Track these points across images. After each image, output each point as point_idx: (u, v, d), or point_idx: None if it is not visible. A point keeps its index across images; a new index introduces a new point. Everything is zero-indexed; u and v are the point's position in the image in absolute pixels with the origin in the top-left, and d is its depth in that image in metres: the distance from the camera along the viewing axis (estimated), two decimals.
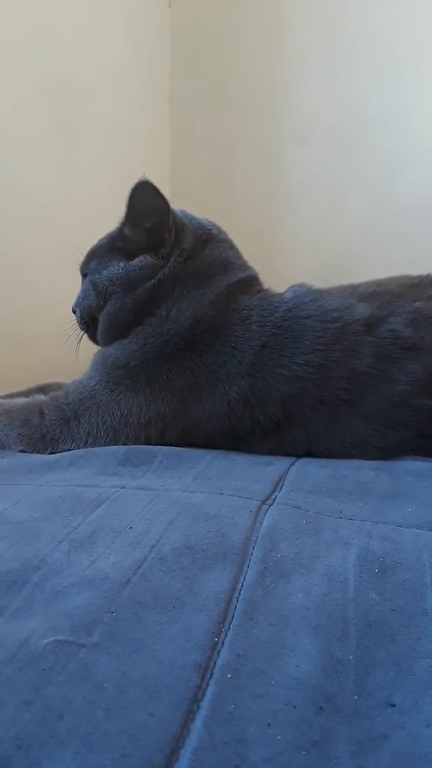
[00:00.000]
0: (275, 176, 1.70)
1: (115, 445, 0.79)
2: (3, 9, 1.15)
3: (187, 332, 0.80)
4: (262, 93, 1.69)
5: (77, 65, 1.37)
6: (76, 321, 0.93)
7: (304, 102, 1.64)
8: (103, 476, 0.69)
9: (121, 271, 0.85)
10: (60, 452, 0.80)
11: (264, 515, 0.56)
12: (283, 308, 0.81)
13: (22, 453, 0.82)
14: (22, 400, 0.88)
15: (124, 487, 0.63)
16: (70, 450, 0.80)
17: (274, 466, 0.72)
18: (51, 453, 0.81)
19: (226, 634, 0.38)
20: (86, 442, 0.80)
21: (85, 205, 1.38)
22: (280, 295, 0.86)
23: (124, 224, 0.85)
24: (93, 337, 0.91)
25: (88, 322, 0.90)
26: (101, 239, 0.90)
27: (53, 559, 0.47)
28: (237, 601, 0.42)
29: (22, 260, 1.27)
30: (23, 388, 1.02)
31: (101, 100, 1.46)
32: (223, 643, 0.37)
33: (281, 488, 0.64)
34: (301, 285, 0.87)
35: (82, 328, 0.92)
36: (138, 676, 0.34)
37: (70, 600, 0.41)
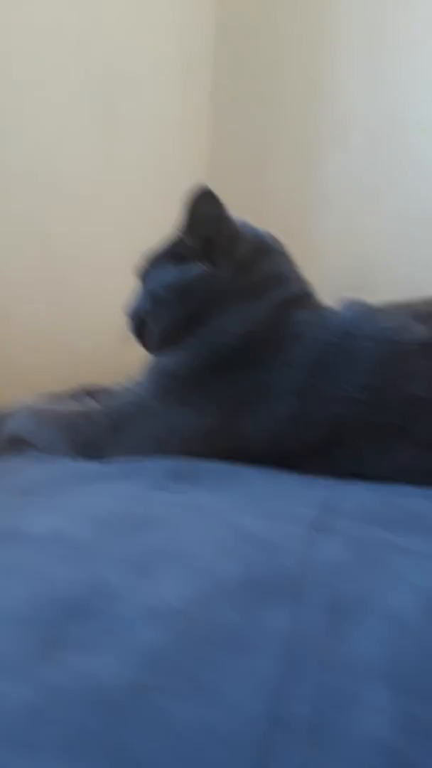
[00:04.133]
0: (312, 176, 1.68)
1: (161, 456, 0.79)
2: (50, 4, 1.14)
3: (238, 345, 0.79)
4: (305, 91, 1.67)
5: (121, 59, 1.37)
6: (129, 326, 0.92)
7: (346, 102, 1.62)
8: (152, 491, 0.69)
9: (173, 278, 0.85)
10: (107, 460, 0.81)
11: (317, 544, 0.55)
12: (338, 326, 0.80)
13: (69, 459, 0.83)
14: (70, 404, 0.89)
15: (173, 505, 0.63)
16: (116, 459, 0.81)
17: (321, 489, 0.71)
18: (98, 461, 0.81)
19: (296, 681, 0.38)
20: (132, 452, 0.81)
21: (126, 200, 1.38)
22: (336, 311, 0.85)
23: (180, 230, 0.85)
24: (144, 344, 0.91)
25: (140, 328, 0.90)
26: (160, 244, 0.90)
27: (113, 585, 0.47)
28: (302, 644, 0.42)
29: (60, 254, 1.27)
30: (64, 387, 1.02)
31: (144, 94, 1.45)
32: (294, 691, 0.37)
33: (331, 515, 0.63)
34: (357, 302, 0.85)
35: (134, 334, 0.92)
36: (208, 722, 0.34)
37: (138, 634, 0.42)
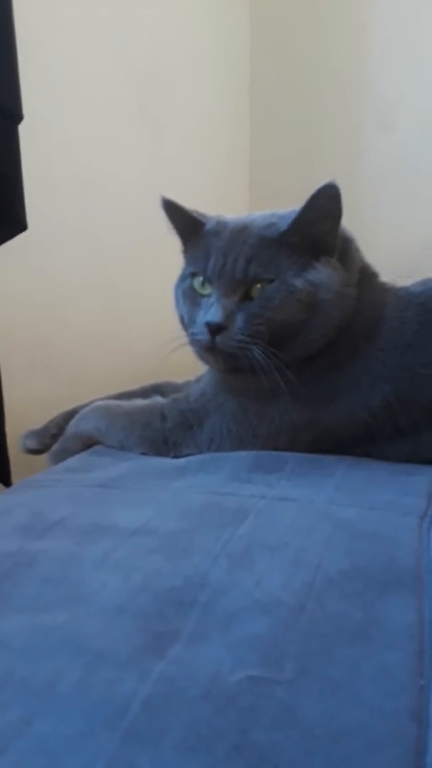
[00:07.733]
0: (357, 164, 1.63)
1: (239, 451, 0.76)
2: (94, 10, 1.16)
3: (332, 338, 0.74)
4: (345, 79, 1.63)
5: (162, 60, 1.37)
6: (229, 341, 0.71)
7: (389, 87, 1.57)
8: (236, 483, 0.66)
9: (329, 276, 0.73)
10: (183, 456, 0.79)
11: (428, 534, 0.52)
12: (416, 302, 0.76)
13: (143, 456, 0.81)
14: (142, 402, 0.87)
15: (264, 497, 0.61)
16: (192, 455, 0.78)
17: (418, 476, 0.67)
18: (174, 457, 0.79)
19: (430, 677, 0.35)
20: (209, 448, 0.78)
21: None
22: (405, 288, 0.80)
23: (298, 223, 0.73)
24: (213, 347, 0.72)
25: (260, 340, 0.71)
26: (241, 236, 0.74)
27: (215, 577, 0.45)
28: (428, 637, 0.38)
29: (110, 258, 1.28)
30: (121, 386, 1.01)
31: (185, 93, 1.45)
32: (430, 688, 0.34)
33: None
34: (424, 279, 0.80)
35: (206, 337, 0.72)
36: (348, 722, 0.31)
37: (247, 626, 0.39)
